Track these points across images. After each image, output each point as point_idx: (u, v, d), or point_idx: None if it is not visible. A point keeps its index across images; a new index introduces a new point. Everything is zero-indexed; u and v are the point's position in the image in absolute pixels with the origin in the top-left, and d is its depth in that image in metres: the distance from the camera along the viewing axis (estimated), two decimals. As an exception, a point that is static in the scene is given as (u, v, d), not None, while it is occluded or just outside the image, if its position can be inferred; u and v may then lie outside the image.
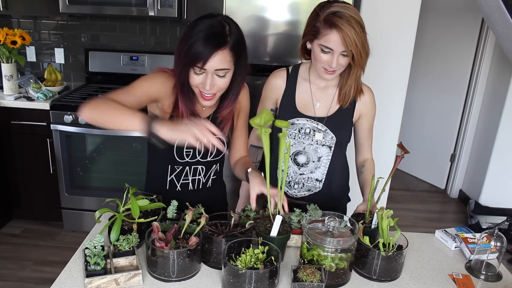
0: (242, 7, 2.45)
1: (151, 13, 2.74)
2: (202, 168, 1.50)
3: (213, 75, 1.25)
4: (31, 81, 2.88)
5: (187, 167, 1.48)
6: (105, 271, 1.15)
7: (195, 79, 1.26)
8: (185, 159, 1.45)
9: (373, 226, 1.34)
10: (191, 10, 2.78)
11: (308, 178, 1.59)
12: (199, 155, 1.45)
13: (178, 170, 1.48)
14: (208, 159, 1.48)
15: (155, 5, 2.72)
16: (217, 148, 1.40)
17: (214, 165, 1.52)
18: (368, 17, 2.55)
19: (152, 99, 1.34)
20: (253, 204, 1.34)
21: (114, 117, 1.16)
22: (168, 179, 1.49)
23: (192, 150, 1.44)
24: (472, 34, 3.60)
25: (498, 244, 1.30)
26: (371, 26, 2.56)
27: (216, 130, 1.14)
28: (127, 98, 1.23)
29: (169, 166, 1.47)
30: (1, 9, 2.83)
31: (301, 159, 1.57)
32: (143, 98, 1.29)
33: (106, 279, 1.13)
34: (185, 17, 2.80)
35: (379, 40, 2.56)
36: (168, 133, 1.11)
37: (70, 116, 2.70)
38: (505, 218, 3.21)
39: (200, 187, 1.53)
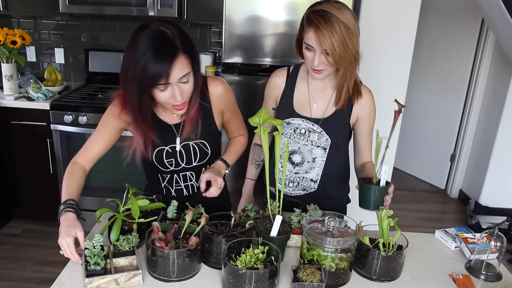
0: (242, 7, 2.45)
1: (151, 13, 2.74)
2: (191, 174, 1.49)
3: (178, 85, 1.20)
4: (31, 81, 2.88)
5: (175, 175, 1.47)
6: (105, 271, 1.15)
7: (162, 96, 1.21)
8: (169, 168, 1.45)
9: (381, 184, 1.34)
10: (191, 10, 2.78)
11: (303, 177, 1.59)
12: (182, 162, 1.44)
13: (167, 178, 1.48)
14: (194, 164, 1.46)
15: (155, 5, 2.72)
16: (200, 152, 1.43)
17: (204, 168, 1.47)
18: (368, 17, 2.56)
19: (121, 130, 1.39)
20: (201, 186, 1.34)
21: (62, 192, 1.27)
22: (162, 185, 1.50)
23: (173, 159, 1.42)
24: (472, 34, 3.60)
25: (498, 244, 1.30)
26: (371, 26, 2.58)
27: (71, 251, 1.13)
28: (96, 144, 1.37)
29: (159, 174, 1.48)
30: (1, 9, 2.83)
31: (296, 158, 1.57)
32: (109, 134, 1.37)
33: (106, 279, 1.13)
34: (185, 17, 2.80)
35: (379, 40, 2.56)
36: (60, 231, 1.15)
37: (70, 116, 2.70)
38: (505, 218, 3.21)
39: (196, 191, 1.52)
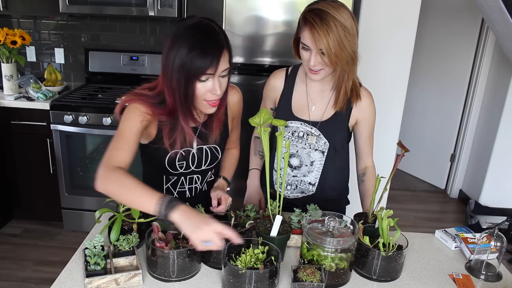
0: (242, 7, 2.45)
1: (151, 13, 2.74)
2: (198, 177, 1.48)
3: (218, 78, 1.22)
4: (31, 81, 2.88)
5: (182, 177, 1.46)
6: (105, 271, 1.15)
7: (200, 89, 1.21)
8: (179, 171, 1.42)
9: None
10: (191, 10, 2.78)
11: (301, 181, 1.58)
12: (193, 166, 1.43)
13: (173, 180, 1.46)
14: (203, 168, 1.46)
15: (155, 5, 2.72)
16: (211, 156, 1.43)
17: (210, 172, 1.50)
18: (368, 17, 2.56)
19: (143, 133, 1.29)
20: (213, 203, 1.39)
21: (128, 198, 1.13)
22: (164, 187, 1.48)
23: (184, 162, 1.40)
24: (472, 34, 3.60)
25: (498, 244, 1.30)
26: (371, 26, 2.58)
27: (229, 231, 1.07)
28: (125, 149, 1.22)
29: (164, 176, 1.46)
30: (1, 9, 2.83)
31: (294, 161, 1.56)
32: (136, 137, 1.25)
33: (106, 279, 1.13)
34: (185, 17, 2.79)
35: (379, 40, 2.56)
36: (189, 230, 1.05)
37: (70, 116, 2.70)
38: (505, 218, 3.21)
39: (198, 192, 1.52)
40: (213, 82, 1.21)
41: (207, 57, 1.16)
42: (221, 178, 1.52)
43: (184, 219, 1.06)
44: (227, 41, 1.23)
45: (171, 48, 1.19)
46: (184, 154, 1.38)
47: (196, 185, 1.50)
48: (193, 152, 1.40)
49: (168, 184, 1.48)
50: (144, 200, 1.09)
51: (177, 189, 1.49)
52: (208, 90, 1.22)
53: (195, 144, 1.39)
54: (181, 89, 1.21)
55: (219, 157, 1.48)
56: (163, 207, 1.06)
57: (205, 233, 1.04)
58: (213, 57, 1.17)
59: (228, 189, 1.52)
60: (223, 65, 1.20)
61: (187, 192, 1.50)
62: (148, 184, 1.53)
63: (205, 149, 1.42)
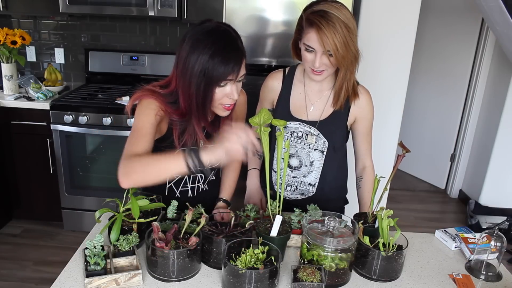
0: (242, 7, 2.45)
1: (151, 13, 2.74)
2: (201, 176, 1.49)
3: (236, 83, 1.25)
4: (31, 81, 2.88)
5: (186, 176, 1.47)
6: (105, 271, 1.15)
7: (219, 94, 1.24)
8: None
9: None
10: (191, 10, 2.78)
11: (301, 182, 1.58)
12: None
13: (177, 179, 1.47)
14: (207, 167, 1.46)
15: (155, 5, 2.72)
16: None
17: (213, 172, 1.53)
18: (368, 17, 2.56)
19: (157, 127, 1.31)
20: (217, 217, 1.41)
21: (157, 171, 1.16)
22: (167, 186, 1.49)
23: None
24: (472, 34, 3.60)
25: (498, 244, 1.30)
26: (371, 25, 2.58)
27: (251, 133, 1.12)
28: (144, 142, 1.23)
29: None
30: (1, 9, 2.83)
31: (293, 162, 1.56)
32: (153, 130, 1.27)
33: (106, 279, 1.13)
34: (185, 17, 2.80)
35: (379, 39, 2.56)
36: (216, 155, 1.11)
37: (70, 116, 2.70)
38: (505, 218, 3.21)
39: (200, 191, 1.52)
40: (231, 87, 1.24)
41: (229, 64, 1.19)
42: (221, 201, 1.54)
43: (206, 153, 1.11)
44: (244, 48, 1.26)
45: (191, 53, 1.19)
46: None
47: (199, 184, 1.51)
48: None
49: (172, 183, 1.48)
50: (172, 164, 1.13)
51: (180, 188, 1.49)
52: (226, 94, 1.25)
53: (202, 143, 1.40)
54: (199, 93, 1.22)
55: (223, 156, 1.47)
56: (191, 158, 1.11)
57: (233, 141, 1.10)
58: (235, 64, 1.20)
59: (229, 208, 1.53)
60: (243, 70, 1.24)
61: (189, 191, 1.50)
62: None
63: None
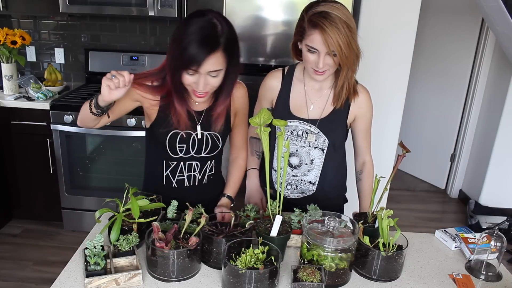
0: (242, 7, 2.45)
1: (151, 13, 2.74)
2: (196, 164, 1.50)
3: (206, 76, 1.26)
4: (31, 81, 2.88)
5: (182, 163, 1.48)
6: (105, 271, 1.15)
7: (188, 79, 1.28)
8: (179, 155, 1.46)
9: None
10: (191, 10, 2.78)
11: (302, 180, 1.58)
12: (192, 151, 1.46)
13: (173, 166, 1.49)
14: (203, 154, 1.48)
15: (155, 5, 2.72)
16: (211, 144, 1.47)
17: (209, 161, 1.52)
18: (368, 17, 2.56)
19: (134, 100, 1.42)
20: (218, 217, 1.43)
21: (83, 111, 1.34)
22: (164, 174, 1.50)
23: (185, 145, 1.45)
24: (472, 34, 3.60)
25: (498, 244, 1.30)
26: (371, 25, 2.58)
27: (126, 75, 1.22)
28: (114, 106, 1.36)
29: (164, 161, 1.49)
30: (1, 9, 2.83)
31: (293, 160, 1.56)
32: (125, 103, 1.40)
33: (106, 279, 1.13)
34: (185, 17, 2.80)
35: (379, 39, 2.56)
36: (102, 93, 1.24)
37: (70, 116, 2.70)
38: (505, 218, 3.21)
39: (196, 183, 1.53)
40: (197, 77, 1.26)
41: (192, 55, 1.21)
42: (225, 196, 1.55)
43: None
44: (230, 45, 1.25)
45: (176, 34, 1.27)
46: (185, 136, 1.43)
47: (195, 173, 1.51)
48: (193, 136, 1.44)
49: (168, 171, 1.49)
50: (86, 105, 1.32)
51: (176, 177, 1.50)
52: (193, 82, 1.28)
53: (199, 128, 1.44)
54: (171, 72, 1.30)
55: (220, 146, 1.50)
56: (92, 98, 1.30)
57: (105, 79, 1.22)
58: (199, 56, 1.21)
59: (232, 205, 1.55)
60: (211, 65, 1.23)
61: (186, 180, 1.51)
62: (149, 175, 1.59)
63: (206, 135, 1.46)
